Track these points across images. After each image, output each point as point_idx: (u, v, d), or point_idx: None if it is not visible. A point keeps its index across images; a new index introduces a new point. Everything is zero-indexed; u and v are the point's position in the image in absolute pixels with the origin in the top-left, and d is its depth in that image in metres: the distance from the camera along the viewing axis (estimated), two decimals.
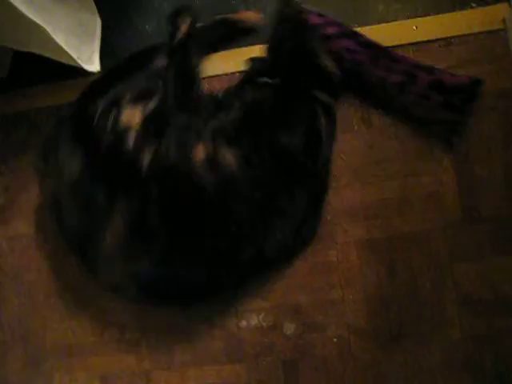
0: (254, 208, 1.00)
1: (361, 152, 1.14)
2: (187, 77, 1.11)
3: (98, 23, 1.16)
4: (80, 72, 1.12)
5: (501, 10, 1.13)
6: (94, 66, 1.12)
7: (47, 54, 1.09)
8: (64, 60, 1.09)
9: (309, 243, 1.12)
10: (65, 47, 1.03)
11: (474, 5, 1.14)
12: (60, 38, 1.01)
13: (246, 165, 1.00)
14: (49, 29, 0.98)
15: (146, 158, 0.98)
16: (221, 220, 1.00)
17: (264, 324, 1.14)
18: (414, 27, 1.15)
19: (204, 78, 1.18)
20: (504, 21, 1.12)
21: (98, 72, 1.13)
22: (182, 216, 1.00)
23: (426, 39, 1.15)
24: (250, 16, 1.19)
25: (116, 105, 1.01)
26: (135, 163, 0.98)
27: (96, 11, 1.15)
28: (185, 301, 1.11)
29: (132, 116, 1.01)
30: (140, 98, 1.04)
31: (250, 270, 1.06)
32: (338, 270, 1.12)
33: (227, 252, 1.01)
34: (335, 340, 1.11)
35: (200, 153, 1.00)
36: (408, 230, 1.11)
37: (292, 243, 1.06)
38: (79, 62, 1.07)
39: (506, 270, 1.08)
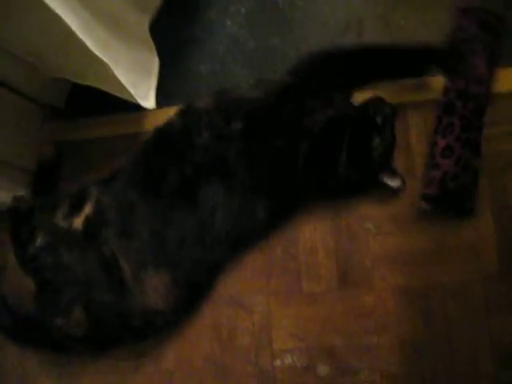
0: None
1: (403, 201, 1.18)
2: None
3: (155, 62, 1.21)
4: (133, 107, 1.16)
5: None
6: (149, 102, 1.16)
7: (105, 88, 1.14)
8: (121, 95, 1.13)
9: None
10: (124, 83, 1.07)
11: None
12: (119, 74, 1.06)
13: None
14: (110, 64, 1.03)
15: None
16: None
17: (298, 364, 1.16)
18: None
19: None
20: None
21: (153, 108, 1.17)
22: None
23: None
24: None
25: None
26: None
27: (155, 50, 1.21)
28: None
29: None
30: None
31: None
32: (374, 316, 1.15)
33: None
34: None
35: None
36: (445, 279, 1.14)
37: None
38: (136, 97, 1.11)
39: None
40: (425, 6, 1.26)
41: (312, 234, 1.20)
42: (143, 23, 1.20)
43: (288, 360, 1.16)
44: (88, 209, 1.14)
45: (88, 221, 1.13)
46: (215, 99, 1.15)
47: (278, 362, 1.16)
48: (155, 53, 1.21)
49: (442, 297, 1.13)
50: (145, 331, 1.14)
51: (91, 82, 1.17)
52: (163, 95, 1.22)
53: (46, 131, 1.37)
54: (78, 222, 1.13)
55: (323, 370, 1.15)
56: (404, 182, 1.14)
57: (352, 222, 1.19)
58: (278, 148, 1.12)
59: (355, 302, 1.16)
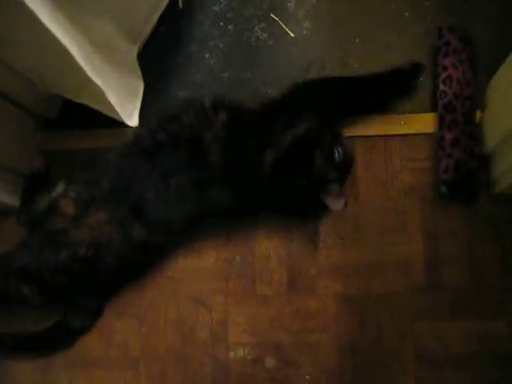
0: None
1: (347, 220, 1.35)
2: None
3: (141, 86, 1.34)
4: (117, 124, 1.29)
5: None
6: (133, 121, 1.30)
7: (96, 107, 1.27)
8: (109, 113, 1.26)
9: None
10: (113, 104, 1.21)
11: None
12: (110, 97, 1.19)
13: None
14: (103, 88, 1.16)
15: None
16: None
17: (249, 357, 1.31)
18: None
19: None
20: None
21: (135, 126, 1.32)
22: None
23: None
24: None
25: None
26: None
27: (141, 76, 1.35)
28: None
29: None
30: None
31: None
32: (316, 317, 1.31)
33: None
34: (308, 377, 1.28)
35: None
36: (379, 290, 1.30)
37: None
38: (122, 117, 1.26)
39: (458, 332, 1.27)
40: (377, 55, 1.42)
41: (267, 244, 1.35)
42: (133, 52, 1.32)
43: (240, 353, 1.31)
44: None
45: None
46: (217, 98, 1.28)
47: (231, 354, 1.31)
48: (141, 78, 1.34)
49: (376, 304, 1.29)
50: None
51: (84, 100, 1.28)
52: (144, 115, 1.34)
53: (37, 139, 1.47)
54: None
55: (270, 362, 1.30)
56: (346, 204, 1.23)
57: (302, 236, 1.35)
58: (251, 147, 1.24)
59: (301, 305, 1.31)
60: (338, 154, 1.22)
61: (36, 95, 1.40)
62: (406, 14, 1.44)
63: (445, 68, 1.33)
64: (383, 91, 1.36)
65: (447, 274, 1.29)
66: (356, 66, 1.43)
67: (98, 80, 1.14)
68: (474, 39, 1.37)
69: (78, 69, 1.09)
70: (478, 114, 1.31)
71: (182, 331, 1.34)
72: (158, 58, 1.48)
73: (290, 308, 1.32)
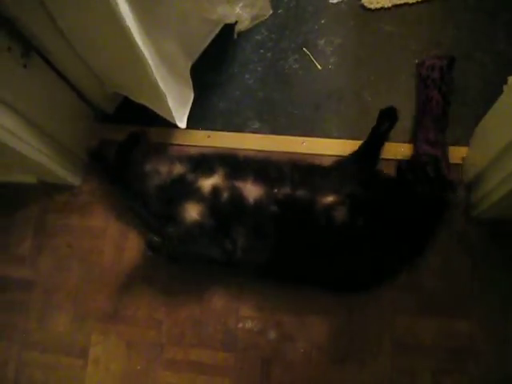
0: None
1: None
2: None
3: (191, 96, 1.57)
4: (168, 123, 1.53)
5: None
6: (183, 123, 1.52)
7: (155, 108, 1.51)
8: (164, 114, 1.50)
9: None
10: (171, 107, 1.44)
11: None
12: (169, 101, 1.42)
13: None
14: (166, 93, 1.39)
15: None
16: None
17: (255, 329, 1.54)
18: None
19: None
20: None
21: (184, 128, 1.55)
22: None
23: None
24: None
25: None
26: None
27: (192, 88, 1.55)
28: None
29: None
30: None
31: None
32: (314, 303, 1.53)
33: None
34: (302, 350, 1.51)
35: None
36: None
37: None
38: (176, 119, 1.49)
39: (429, 327, 1.49)
40: (387, 92, 1.69)
41: None
42: (188, 66, 1.54)
43: (248, 324, 1.54)
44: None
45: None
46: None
47: (240, 325, 1.54)
48: (192, 89, 1.56)
49: (363, 298, 1.52)
50: None
51: (144, 101, 1.53)
52: (190, 120, 1.54)
53: (95, 129, 1.72)
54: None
55: (272, 335, 1.52)
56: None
57: None
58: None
59: (304, 291, 1.53)
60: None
61: (101, 92, 1.66)
62: (415, 61, 1.70)
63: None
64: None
65: (425, 278, 1.53)
66: (369, 99, 1.69)
67: (162, 86, 1.38)
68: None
69: (148, 75, 1.32)
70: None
71: (201, 302, 1.58)
72: (205, 74, 1.71)
73: (294, 292, 1.54)
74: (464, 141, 1.59)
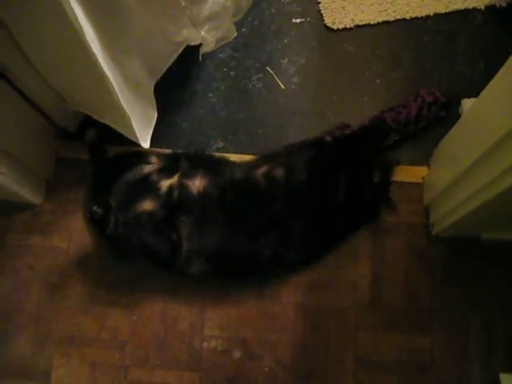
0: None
1: None
2: None
3: (155, 116, 1.55)
4: (127, 143, 1.50)
5: None
6: (146, 143, 1.50)
7: (116, 127, 1.48)
8: (127, 134, 1.46)
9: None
10: (134, 128, 1.42)
11: None
12: (133, 122, 1.40)
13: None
14: (129, 113, 1.36)
15: None
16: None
17: (219, 348, 1.55)
18: None
19: None
20: None
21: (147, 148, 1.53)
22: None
23: None
24: None
25: None
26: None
27: (155, 107, 1.56)
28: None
29: None
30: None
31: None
32: (278, 320, 1.56)
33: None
34: (266, 369, 1.53)
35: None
36: (331, 303, 1.56)
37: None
38: (139, 139, 1.47)
39: (391, 343, 1.54)
40: (349, 112, 1.72)
41: None
42: (151, 85, 1.53)
43: (213, 344, 1.55)
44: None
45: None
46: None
47: (205, 345, 1.55)
48: (155, 109, 1.55)
49: (327, 315, 1.55)
50: None
51: (107, 120, 1.51)
52: (154, 139, 1.51)
53: (56, 147, 1.70)
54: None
55: (237, 354, 1.54)
56: None
57: None
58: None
59: (267, 308, 1.56)
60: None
61: (62, 110, 1.62)
62: (377, 81, 1.75)
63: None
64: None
65: (386, 295, 1.57)
66: (332, 118, 1.72)
67: (126, 107, 1.35)
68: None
69: (111, 95, 1.30)
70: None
71: (166, 322, 1.58)
72: (168, 93, 1.71)
73: (256, 310, 1.56)
74: (424, 161, 1.65)
